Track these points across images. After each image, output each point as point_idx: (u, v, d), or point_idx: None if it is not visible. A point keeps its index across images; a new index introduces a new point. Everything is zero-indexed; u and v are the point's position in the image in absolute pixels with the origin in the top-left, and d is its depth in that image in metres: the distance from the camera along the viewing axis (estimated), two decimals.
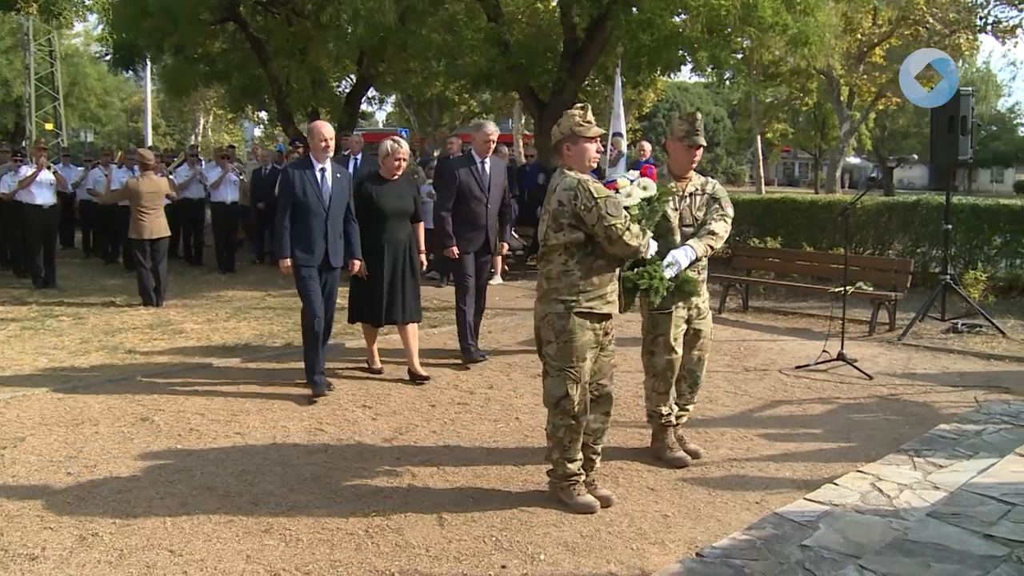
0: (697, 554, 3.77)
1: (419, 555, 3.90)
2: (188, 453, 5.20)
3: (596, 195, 4.18)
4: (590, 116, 4.43)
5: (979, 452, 5.10)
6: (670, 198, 4.88)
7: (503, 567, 3.79)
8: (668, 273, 4.67)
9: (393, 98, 31.25)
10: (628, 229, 4.20)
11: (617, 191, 4.43)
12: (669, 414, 5.14)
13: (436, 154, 14.55)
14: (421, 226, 7.23)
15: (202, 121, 44.15)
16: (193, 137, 42.89)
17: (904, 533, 3.75)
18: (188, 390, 6.61)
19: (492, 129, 7.59)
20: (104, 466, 4.96)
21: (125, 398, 6.35)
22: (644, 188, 4.62)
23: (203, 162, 15.52)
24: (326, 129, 6.46)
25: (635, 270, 4.57)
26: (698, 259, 4.92)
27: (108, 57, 18.90)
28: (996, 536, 3.63)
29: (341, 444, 5.41)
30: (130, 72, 21.05)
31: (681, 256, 4.80)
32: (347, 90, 19.50)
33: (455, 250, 7.37)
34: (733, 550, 3.77)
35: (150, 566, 3.76)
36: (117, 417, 5.88)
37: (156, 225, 10.34)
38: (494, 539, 4.08)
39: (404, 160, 6.91)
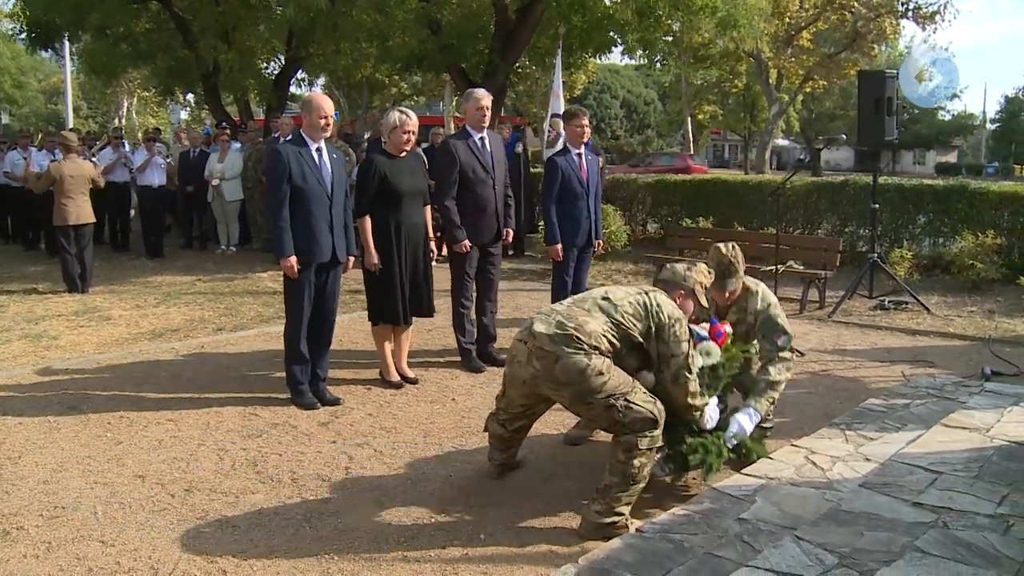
0: (637, 529, 3.79)
1: (359, 538, 3.86)
2: (118, 441, 5.06)
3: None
4: None
5: (907, 424, 5.23)
6: (738, 365, 4.59)
7: (443, 548, 3.77)
8: (731, 444, 4.40)
9: (323, 80, 30.78)
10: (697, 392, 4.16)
11: None
12: None
13: (367, 136, 14.35)
14: (428, 209, 6.42)
15: (126, 103, 42.95)
16: (117, 120, 41.68)
17: (838, 504, 3.82)
18: (117, 377, 6.44)
19: (482, 94, 6.53)
20: (29, 457, 4.80)
21: (51, 387, 6.16)
22: (707, 354, 4.35)
23: (127, 145, 15.10)
24: (326, 103, 5.62)
25: (688, 442, 4.25)
26: (763, 419, 4.72)
27: (23, 36, 18.14)
28: (924, 504, 3.72)
29: (276, 428, 5.32)
30: (48, 51, 20.30)
31: (746, 423, 4.50)
32: (276, 71, 19.15)
33: (467, 244, 6.49)
34: (672, 525, 3.81)
35: (80, 558, 3.65)
36: (42, 407, 5.69)
37: (81, 211, 10.03)
38: (434, 520, 4.05)
39: (413, 133, 6.06)
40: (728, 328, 4.58)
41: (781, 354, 4.72)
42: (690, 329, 4.28)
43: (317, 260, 5.61)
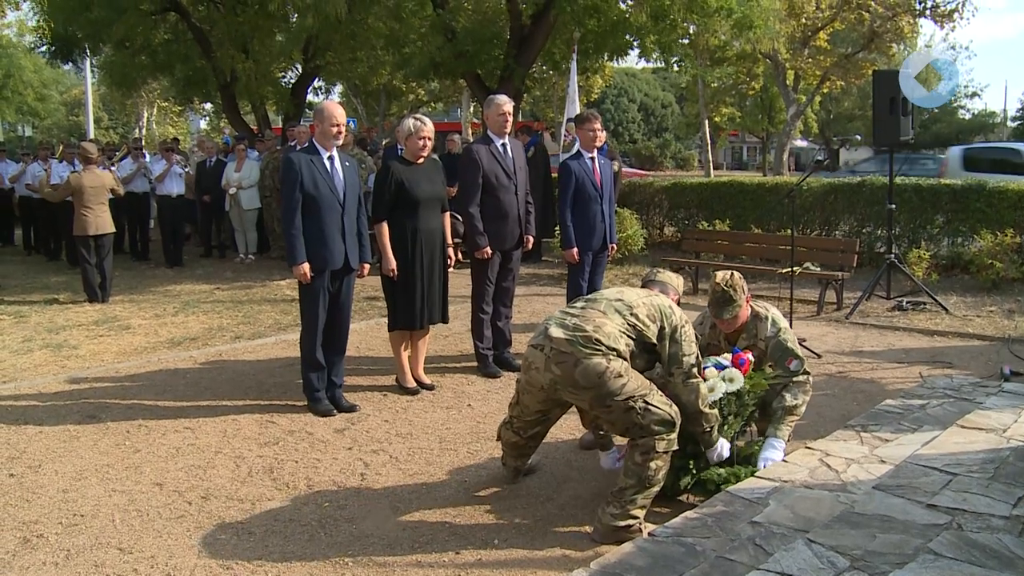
0: (649, 533, 3.80)
1: (373, 544, 3.89)
2: (136, 449, 5.12)
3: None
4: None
5: (923, 425, 5.20)
6: (762, 392, 4.57)
7: (457, 553, 3.79)
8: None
9: (340, 88, 30.95)
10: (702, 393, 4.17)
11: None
12: None
13: (384, 143, 14.44)
14: (448, 216, 6.44)
15: (146, 114, 43.33)
16: (137, 130, 42.05)
17: (851, 506, 3.81)
18: (136, 386, 6.50)
19: (504, 100, 6.60)
20: (49, 465, 4.86)
21: (71, 396, 6.23)
22: (730, 380, 4.36)
23: (147, 155, 15.26)
24: (338, 111, 5.71)
25: (721, 471, 4.31)
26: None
27: (44, 49, 18.37)
28: (939, 506, 3.70)
29: (292, 436, 5.36)
30: (70, 64, 20.54)
31: (775, 455, 4.51)
32: (293, 80, 19.27)
33: (488, 251, 6.53)
34: (685, 528, 3.80)
35: (98, 565, 3.70)
36: (62, 416, 5.76)
37: (101, 221, 10.14)
38: (448, 526, 4.08)
39: (429, 139, 6.11)
40: (751, 356, 4.58)
41: (795, 379, 4.69)
42: (708, 357, 4.43)
43: (329, 267, 5.67)
